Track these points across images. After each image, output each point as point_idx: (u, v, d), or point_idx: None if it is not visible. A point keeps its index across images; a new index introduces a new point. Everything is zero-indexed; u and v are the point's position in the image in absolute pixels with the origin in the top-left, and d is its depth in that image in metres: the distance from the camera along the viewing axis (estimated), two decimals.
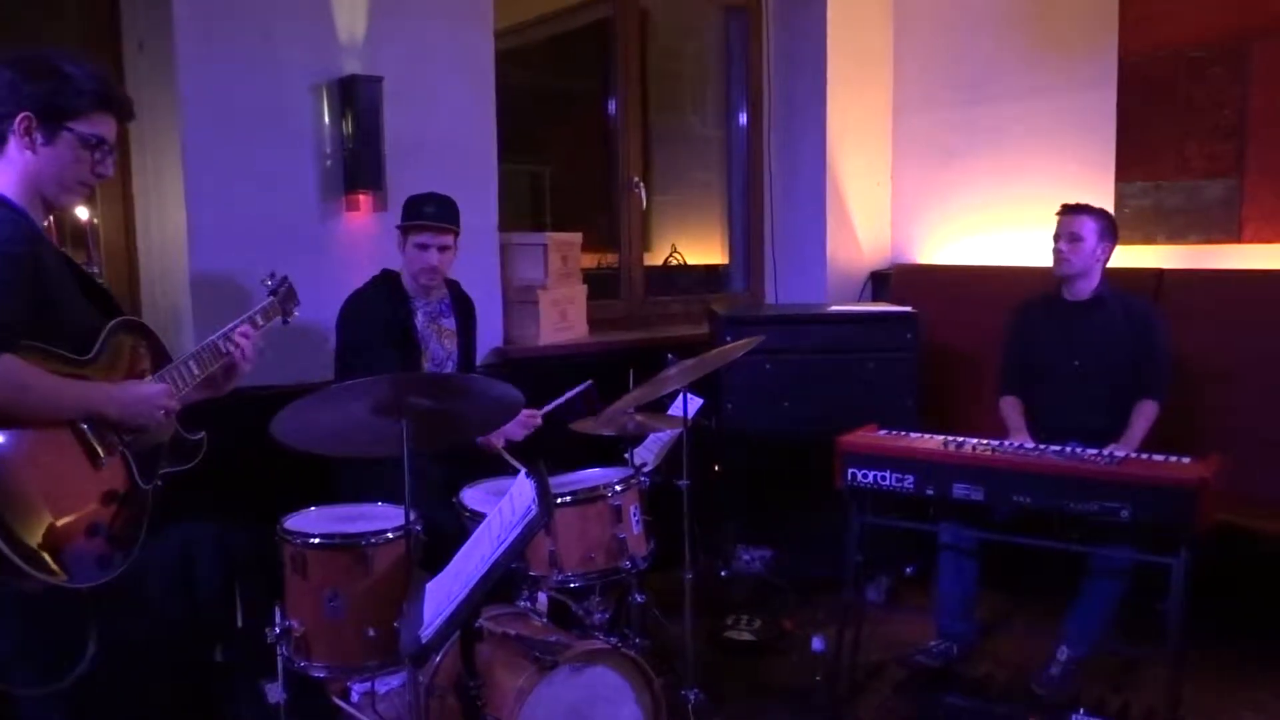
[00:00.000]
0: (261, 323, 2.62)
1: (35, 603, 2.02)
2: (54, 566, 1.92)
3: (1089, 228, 3.60)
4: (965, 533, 3.37)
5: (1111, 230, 3.65)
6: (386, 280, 3.42)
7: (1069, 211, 3.67)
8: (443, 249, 3.34)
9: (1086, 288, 3.66)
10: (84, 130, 2.12)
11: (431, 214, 3.32)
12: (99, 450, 2.08)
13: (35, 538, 1.91)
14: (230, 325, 2.50)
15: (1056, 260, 3.66)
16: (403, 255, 3.39)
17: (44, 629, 2.09)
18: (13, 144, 2.09)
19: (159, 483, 2.25)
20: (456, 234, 3.39)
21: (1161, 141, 4.34)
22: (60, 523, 1.97)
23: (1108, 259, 3.66)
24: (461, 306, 3.56)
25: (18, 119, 2.07)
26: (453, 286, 3.56)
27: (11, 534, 1.86)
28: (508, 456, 3.28)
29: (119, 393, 2.15)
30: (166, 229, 3.51)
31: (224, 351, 2.45)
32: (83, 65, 2.14)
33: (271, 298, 2.70)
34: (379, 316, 3.31)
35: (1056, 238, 3.66)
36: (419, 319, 3.42)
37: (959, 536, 3.39)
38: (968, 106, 5.00)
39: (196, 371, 2.37)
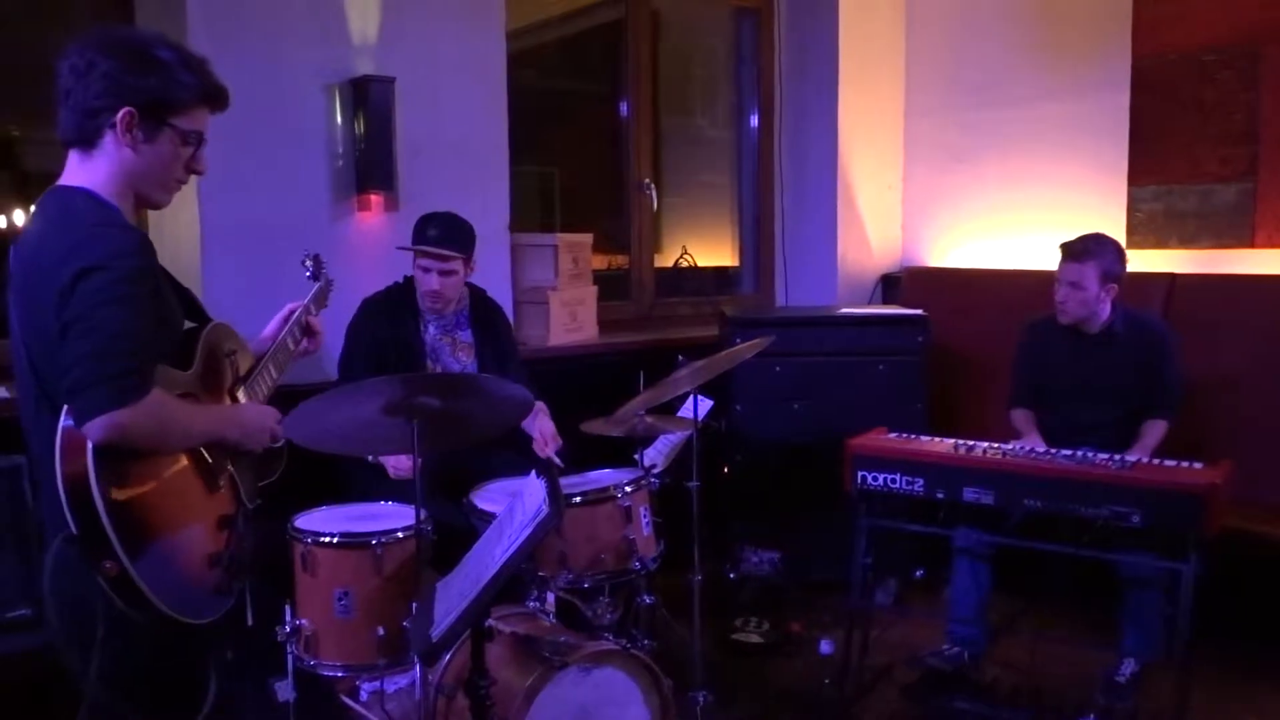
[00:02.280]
0: (315, 311, 2.52)
1: (156, 637, 1.86)
2: (184, 602, 1.83)
3: (1090, 275, 3.45)
4: (982, 537, 3.35)
5: (1117, 264, 3.49)
6: (401, 291, 3.41)
7: (1068, 256, 3.51)
8: (444, 274, 3.29)
9: (1096, 323, 3.55)
10: (184, 126, 1.95)
11: (433, 238, 3.26)
12: (216, 472, 1.98)
13: (170, 573, 1.81)
14: (290, 317, 2.41)
15: (1059, 308, 3.54)
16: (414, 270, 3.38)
17: (168, 663, 1.97)
18: (109, 139, 1.89)
19: (260, 500, 2.16)
20: (465, 258, 3.33)
21: (1174, 145, 4.32)
22: (188, 555, 1.87)
23: (1115, 293, 3.52)
24: (482, 316, 3.50)
25: (120, 114, 1.88)
26: (476, 295, 3.52)
27: (148, 570, 1.75)
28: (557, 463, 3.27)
29: (239, 415, 2.06)
30: (179, 228, 3.53)
31: (293, 348, 2.39)
32: (182, 52, 1.96)
33: (317, 283, 2.60)
34: (375, 333, 3.31)
35: (1058, 282, 3.54)
36: (430, 332, 3.40)
37: (975, 540, 3.38)
38: (979, 109, 5.00)
39: (275, 375, 2.30)
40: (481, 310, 3.52)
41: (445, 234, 3.28)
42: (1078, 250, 3.50)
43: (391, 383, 2.41)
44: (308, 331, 2.43)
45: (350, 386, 2.46)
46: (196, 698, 1.98)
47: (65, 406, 1.75)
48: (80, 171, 1.92)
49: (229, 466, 2.04)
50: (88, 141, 1.91)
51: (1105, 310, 3.55)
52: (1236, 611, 3.40)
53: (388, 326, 3.33)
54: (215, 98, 2.02)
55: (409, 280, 3.42)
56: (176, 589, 1.81)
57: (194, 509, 1.92)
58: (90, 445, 1.72)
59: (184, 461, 1.92)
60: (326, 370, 3.42)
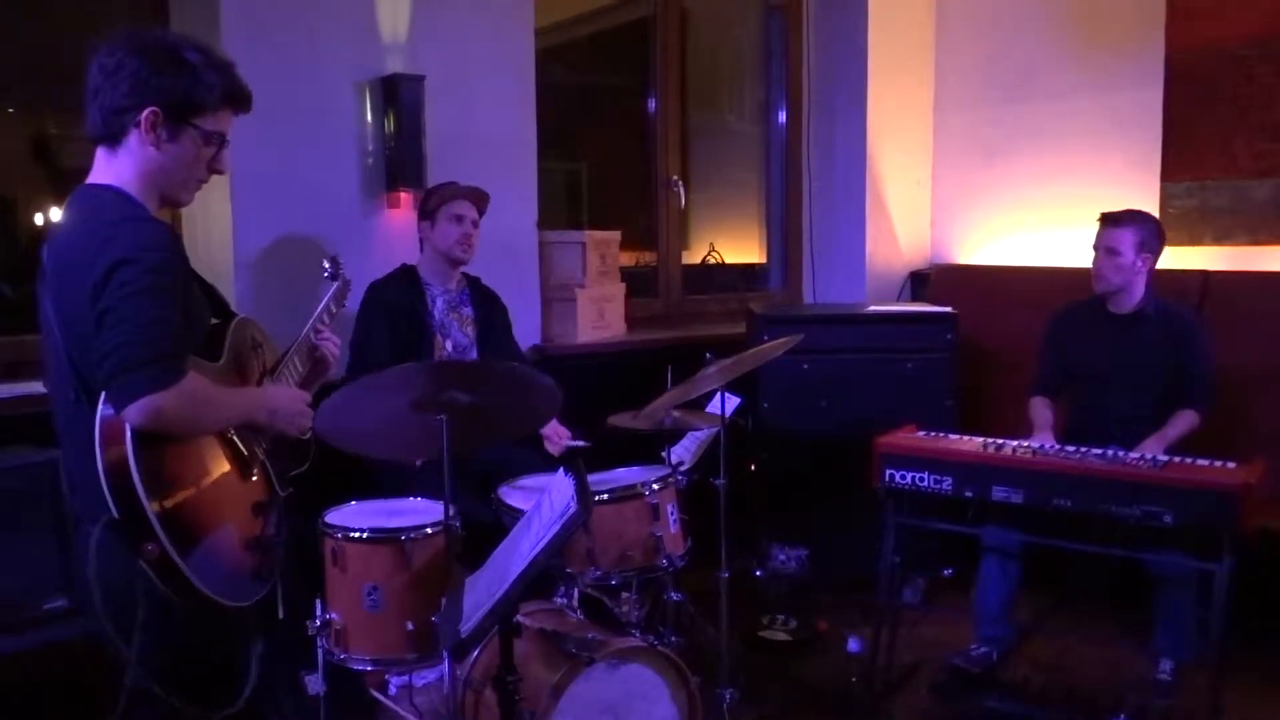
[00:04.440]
0: (335, 310, 2.59)
1: (201, 620, 1.92)
2: (223, 585, 1.87)
3: (1126, 241, 3.45)
4: (1010, 536, 3.33)
5: (1155, 238, 3.49)
6: (402, 274, 3.49)
7: (1106, 223, 3.53)
8: (475, 221, 3.46)
9: (1129, 301, 3.54)
10: (207, 127, 2.00)
11: (464, 189, 3.44)
12: (250, 460, 2.03)
13: (208, 555, 1.85)
14: (313, 318, 2.46)
15: (1094, 274, 3.54)
16: (428, 239, 3.47)
17: (211, 645, 2.03)
18: (134, 137, 1.95)
19: (291, 488, 2.21)
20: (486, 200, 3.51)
21: (1208, 141, 4.27)
22: (226, 539, 1.92)
23: (1152, 268, 3.52)
24: (480, 297, 3.59)
25: (145, 113, 1.92)
26: (472, 283, 3.61)
27: (188, 552, 1.80)
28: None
29: (271, 398, 2.11)
30: (211, 225, 3.56)
31: (314, 345, 2.43)
32: (208, 54, 2.00)
33: (335, 283, 2.66)
34: (387, 308, 3.37)
35: (1095, 250, 3.54)
36: (438, 306, 3.48)
37: (1004, 539, 3.36)
38: (1010, 105, 4.96)
39: (301, 369, 2.35)
40: (478, 292, 3.61)
41: (470, 187, 3.47)
42: (1118, 216, 3.52)
43: (421, 373, 2.42)
44: (318, 363, 2.45)
45: (376, 378, 2.46)
46: (234, 686, 2.02)
47: (103, 395, 1.80)
48: (108, 169, 1.98)
49: (261, 455, 2.09)
50: (114, 139, 1.96)
51: (1139, 288, 3.52)
52: (1272, 611, 3.36)
53: (400, 299, 3.41)
54: (239, 100, 2.06)
55: (407, 266, 3.51)
56: (216, 571, 1.86)
57: (230, 494, 1.97)
58: (129, 430, 1.77)
59: (218, 448, 1.97)
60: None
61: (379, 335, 3.33)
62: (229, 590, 1.89)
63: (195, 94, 1.96)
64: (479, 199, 3.49)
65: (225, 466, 1.98)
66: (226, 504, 1.95)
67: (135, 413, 1.76)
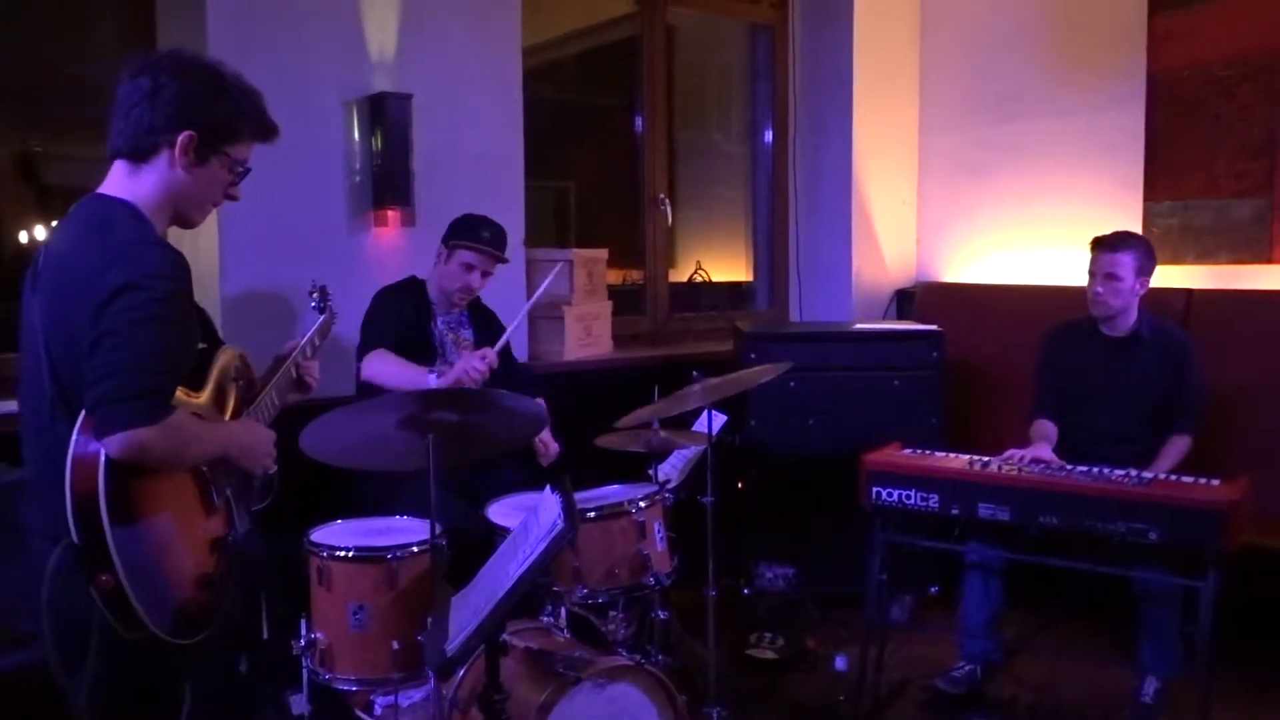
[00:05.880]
0: (319, 343, 2.55)
1: (136, 652, 1.86)
2: (170, 622, 1.83)
3: (1127, 266, 3.42)
4: (992, 552, 3.34)
5: (1150, 260, 3.48)
6: (412, 286, 3.48)
7: (1104, 248, 3.48)
8: (485, 274, 3.43)
9: (1124, 324, 3.52)
10: (235, 155, 2.01)
11: (488, 239, 3.39)
12: (214, 495, 2.00)
13: (160, 591, 1.82)
14: (294, 350, 2.43)
15: (1093, 302, 3.50)
16: (439, 267, 3.44)
17: (144, 678, 1.98)
18: (164, 157, 1.93)
19: (251, 525, 2.17)
20: (502, 263, 3.47)
21: (1190, 160, 4.31)
22: (180, 575, 1.88)
23: (1146, 289, 3.50)
24: (478, 317, 3.58)
25: (182, 135, 1.92)
26: (471, 304, 3.60)
27: (141, 586, 1.77)
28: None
29: (241, 434, 2.08)
30: (198, 243, 3.55)
31: (294, 378, 2.41)
32: (244, 86, 2.02)
33: (322, 316, 2.62)
34: (402, 310, 3.38)
35: (1092, 275, 3.50)
36: (439, 325, 3.48)
37: (986, 556, 3.36)
38: (994, 125, 4.99)
39: (278, 403, 2.32)
40: (477, 311, 3.60)
41: (496, 239, 3.42)
42: (1114, 241, 3.48)
43: (409, 397, 2.42)
44: (300, 384, 2.44)
45: (368, 402, 2.48)
46: (171, 713, 2.00)
47: (83, 416, 1.77)
48: (127, 184, 1.95)
49: (227, 491, 2.06)
50: (140, 156, 1.94)
51: (1134, 311, 3.51)
52: (1258, 628, 3.37)
53: (407, 309, 3.41)
54: (268, 132, 2.08)
55: (415, 279, 3.50)
56: (165, 607, 1.82)
57: (192, 529, 1.94)
58: (103, 457, 1.74)
59: (189, 482, 1.95)
60: (342, 387, 3.43)
61: (387, 330, 3.31)
62: (175, 628, 1.84)
63: (234, 122, 1.98)
64: (496, 260, 3.43)
65: (192, 501, 1.95)
66: (186, 539, 1.91)
67: (116, 444, 1.73)
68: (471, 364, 3.20)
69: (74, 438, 1.76)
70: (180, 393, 1.90)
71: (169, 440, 1.79)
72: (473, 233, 3.39)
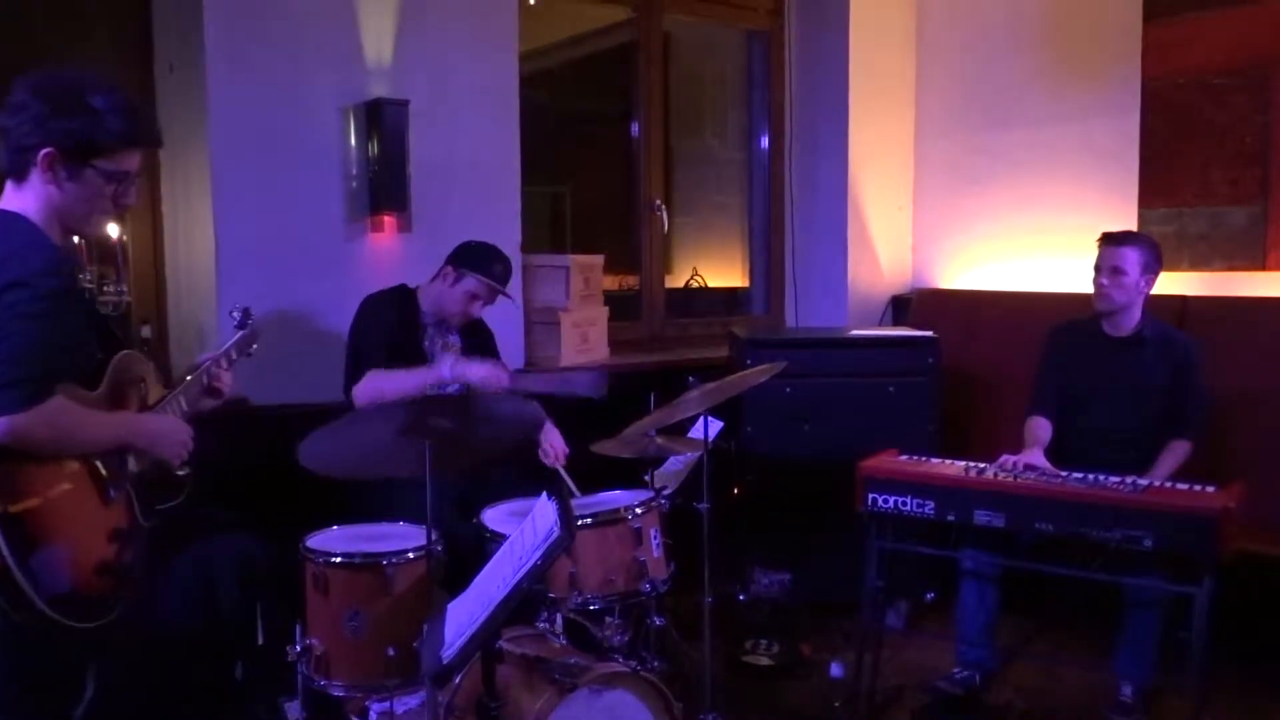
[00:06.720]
0: (236, 356, 2.64)
1: (31, 638, 1.96)
2: (62, 603, 1.90)
3: (1132, 260, 3.43)
4: (987, 559, 3.34)
5: (1156, 260, 3.49)
6: (402, 295, 3.46)
7: (1110, 242, 3.50)
8: (486, 303, 3.44)
9: (1128, 323, 3.52)
10: (108, 167, 2.08)
11: (499, 274, 3.39)
12: (110, 486, 2.07)
13: (53, 574, 1.89)
14: (207, 360, 2.52)
15: (1097, 295, 3.51)
16: (442, 285, 3.40)
17: (41, 665, 2.05)
18: (35, 174, 2.05)
19: (156, 520, 2.24)
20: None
21: (1184, 168, 4.33)
22: (72, 558, 1.95)
23: (1151, 289, 3.51)
24: (466, 325, 3.54)
25: (41, 153, 2.02)
26: None
27: (30, 570, 1.85)
28: (564, 475, 3.38)
29: (149, 425, 2.16)
30: (195, 248, 3.56)
31: (205, 384, 2.48)
32: (112, 96, 2.07)
33: (241, 331, 2.68)
34: (390, 322, 3.36)
35: (1097, 269, 3.50)
36: (428, 334, 3.47)
37: (981, 562, 3.36)
38: (990, 131, 5.01)
39: (186, 408, 2.39)
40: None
41: (506, 272, 3.43)
42: (1121, 236, 3.51)
43: (406, 406, 2.42)
44: (211, 391, 2.50)
45: (364, 411, 2.48)
46: (68, 700, 2.06)
47: None
48: (15, 199, 2.09)
49: (127, 484, 2.14)
50: (19, 175, 2.07)
51: (1138, 310, 3.51)
52: (1250, 634, 3.38)
53: (393, 318, 3.39)
54: (146, 140, 2.16)
55: (406, 288, 3.47)
56: (55, 587, 1.89)
57: (86, 518, 2.02)
58: None
59: (79, 469, 2.03)
60: (332, 391, 3.42)
61: (376, 344, 3.29)
62: (68, 610, 1.91)
63: (94, 137, 2.05)
64: (499, 294, 3.44)
65: (85, 489, 2.03)
66: (79, 524, 1.99)
67: None
68: (497, 373, 3.24)
69: None
70: (74, 390, 2.00)
71: (49, 425, 1.90)
72: (485, 265, 3.37)
